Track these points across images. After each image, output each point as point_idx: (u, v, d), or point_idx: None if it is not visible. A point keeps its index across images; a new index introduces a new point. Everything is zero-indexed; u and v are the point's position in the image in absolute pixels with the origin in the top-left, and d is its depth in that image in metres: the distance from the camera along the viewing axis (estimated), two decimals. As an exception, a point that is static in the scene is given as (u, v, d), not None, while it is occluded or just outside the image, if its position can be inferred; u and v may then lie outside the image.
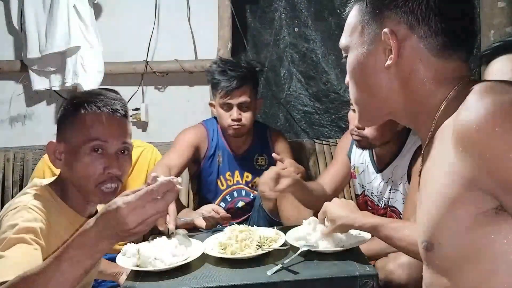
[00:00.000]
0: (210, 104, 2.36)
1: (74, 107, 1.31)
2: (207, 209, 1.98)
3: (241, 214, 2.32)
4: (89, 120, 1.28)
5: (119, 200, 0.94)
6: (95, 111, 1.28)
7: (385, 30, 0.84)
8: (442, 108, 0.83)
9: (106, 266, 1.84)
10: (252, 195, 2.32)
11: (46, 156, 2.06)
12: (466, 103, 0.75)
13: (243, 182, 2.33)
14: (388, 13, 0.85)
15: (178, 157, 2.15)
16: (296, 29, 2.86)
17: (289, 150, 2.36)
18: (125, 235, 0.95)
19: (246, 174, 2.33)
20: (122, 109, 1.32)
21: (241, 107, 2.19)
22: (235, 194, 2.33)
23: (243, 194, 2.34)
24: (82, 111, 1.29)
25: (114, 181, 1.30)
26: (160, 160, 2.17)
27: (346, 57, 0.94)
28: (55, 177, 1.40)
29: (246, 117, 2.20)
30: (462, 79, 0.84)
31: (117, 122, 1.31)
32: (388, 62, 0.85)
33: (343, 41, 0.94)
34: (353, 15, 0.91)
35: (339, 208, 1.52)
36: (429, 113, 0.85)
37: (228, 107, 2.19)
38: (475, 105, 0.73)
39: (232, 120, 2.18)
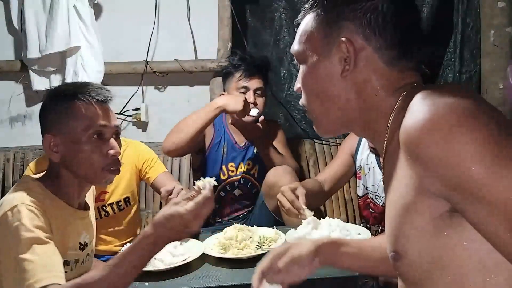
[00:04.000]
0: (221, 95, 2.41)
1: (67, 99, 1.34)
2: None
3: (238, 204, 2.37)
4: (86, 110, 1.34)
5: (180, 209, 1.14)
6: (91, 100, 1.34)
7: (343, 38, 0.85)
8: (392, 116, 0.84)
9: None
10: (250, 183, 2.34)
11: (31, 164, 2.07)
12: (409, 110, 0.76)
13: (245, 170, 2.39)
14: (345, 23, 0.86)
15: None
16: (296, 29, 2.85)
17: (285, 141, 2.48)
18: (185, 235, 1.19)
19: (248, 162, 2.40)
20: (110, 96, 1.40)
21: (256, 92, 2.31)
22: (236, 184, 2.39)
23: (242, 182, 2.39)
24: (78, 102, 1.34)
25: (118, 162, 1.39)
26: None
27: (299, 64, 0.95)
28: (43, 173, 1.42)
29: (260, 102, 2.32)
30: (407, 86, 0.85)
31: (109, 108, 1.39)
32: (344, 71, 0.86)
33: (296, 48, 0.94)
34: (308, 23, 0.92)
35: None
36: (383, 122, 0.86)
37: (245, 90, 2.29)
38: (415, 112, 0.74)
39: (249, 103, 2.25)
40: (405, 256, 0.82)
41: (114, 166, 1.38)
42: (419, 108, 0.74)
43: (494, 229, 0.68)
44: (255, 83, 2.30)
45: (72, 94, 1.34)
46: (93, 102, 1.34)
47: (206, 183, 1.19)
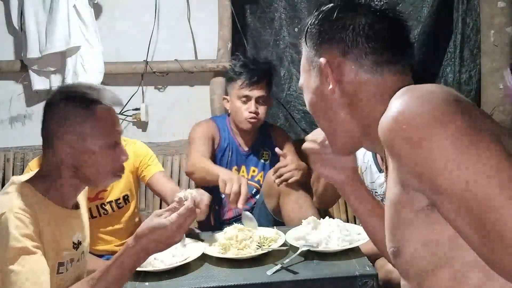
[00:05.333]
0: (224, 99, 2.41)
1: (89, 103, 1.31)
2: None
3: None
4: (108, 115, 1.33)
5: (164, 220, 1.18)
6: (110, 108, 1.34)
7: (321, 60, 0.92)
8: None
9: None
10: (254, 190, 2.34)
11: (31, 163, 2.06)
12: (387, 109, 0.79)
13: (249, 177, 2.37)
14: (324, 46, 0.94)
15: (206, 148, 2.24)
16: (296, 29, 2.86)
17: (291, 145, 2.42)
18: (168, 246, 1.21)
19: (252, 168, 2.39)
20: (121, 103, 1.43)
21: (258, 100, 2.27)
22: None
23: None
24: (101, 110, 1.32)
25: (124, 168, 1.40)
26: (196, 156, 2.21)
27: None
28: (32, 173, 1.38)
29: (261, 111, 2.28)
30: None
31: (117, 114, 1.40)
32: (330, 88, 0.92)
33: (300, 81, 1.03)
34: (302, 56, 1.01)
35: None
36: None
37: (246, 99, 2.26)
38: (388, 110, 0.77)
39: (250, 112, 2.25)
40: (402, 252, 0.83)
41: (121, 171, 1.39)
42: (391, 106, 0.77)
43: (460, 224, 0.70)
44: (257, 92, 2.25)
45: (95, 99, 1.32)
46: (113, 109, 1.35)
47: (188, 194, 1.26)
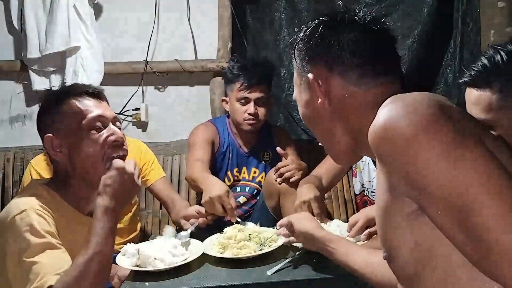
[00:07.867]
0: (223, 100, 2.40)
1: (61, 98, 1.35)
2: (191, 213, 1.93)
3: (242, 210, 2.35)
4: (80, 103, 1.34)
5: (128, 168, 1.26)
6: (83, 96, 1.35)
7: (309, 75, 0.96)
8: None
9: None
10: (255, 191, 2.34)
11: (33, 161, 2.06)
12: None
13: (250, 178, 2.37)
14: (311, 61, 0.97)
15: (204, 152, 2.21)
16: (296, 29, 2.86)
17: (293, 146, 2.40)
18: (135, 193, 1.34)
19: (253, 169, 2.38)
20: (101, 89, 1.41)
21: (258, 102, 2.25)
22: (238, 189, 2.36)
23: (247, 190, 2.37)
24: (71, 99, 1.34)
25: (119, 148, 1.35)
26: (193, 164, 2.16)
27: None
28: (49, 177, 1.40)
29: (261, 112, 2.27)
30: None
31: (102, 101, 1.39)
32: (319, 101, 0.95)
33: (293, 94, 1.07)
34: (294, 70, 1.04)
35: (305, 221, 1.50)
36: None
37: (245, 101, 2.25)
38: (376, 117, 0.79)
39: (249, 114, 2.24)
40: (395, 255, 0.85)
41: (115, 152, 1.34)
42: (379, 115, 0.79)
43: (447, 226, 0.72)
44: (256, 94, 2.23)
45: (66, 92, 1.36)
46: (86, 96, 1.35)
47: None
